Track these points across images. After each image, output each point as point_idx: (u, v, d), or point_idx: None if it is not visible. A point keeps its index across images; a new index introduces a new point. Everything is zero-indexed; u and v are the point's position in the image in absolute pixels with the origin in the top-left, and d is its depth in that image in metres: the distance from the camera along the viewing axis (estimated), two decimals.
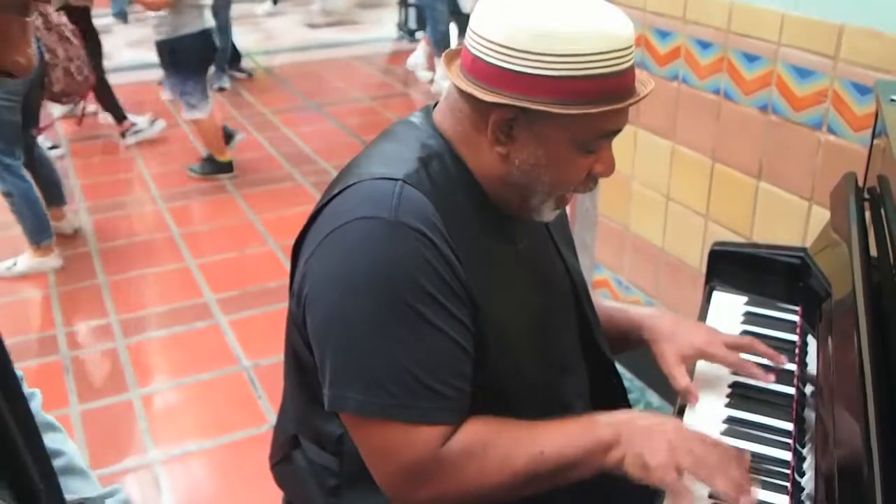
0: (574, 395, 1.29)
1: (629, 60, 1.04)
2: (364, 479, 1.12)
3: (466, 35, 1.09)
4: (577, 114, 1.02)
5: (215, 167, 4.73)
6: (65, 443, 1.06)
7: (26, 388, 0.97)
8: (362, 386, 1.04)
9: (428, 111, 1.18)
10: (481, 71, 1.05)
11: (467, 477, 1.06)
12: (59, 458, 1.02)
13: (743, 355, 1.30)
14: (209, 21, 4.32)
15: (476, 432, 1.07)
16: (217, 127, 4.68)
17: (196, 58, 4.34)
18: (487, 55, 1.04)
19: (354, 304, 1.04)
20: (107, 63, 7.19)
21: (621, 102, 1.04)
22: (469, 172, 1.13)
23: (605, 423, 1.09)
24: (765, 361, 1.31)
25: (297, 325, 1.16)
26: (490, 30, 1.03)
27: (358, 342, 1.04)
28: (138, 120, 5.30)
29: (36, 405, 1.03)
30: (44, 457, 0.83)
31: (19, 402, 0.80)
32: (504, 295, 1.15)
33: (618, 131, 1.09)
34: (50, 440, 0.99)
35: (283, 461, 1.32)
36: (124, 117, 5.25)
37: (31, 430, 0.82)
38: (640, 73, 1.09)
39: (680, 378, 1.28)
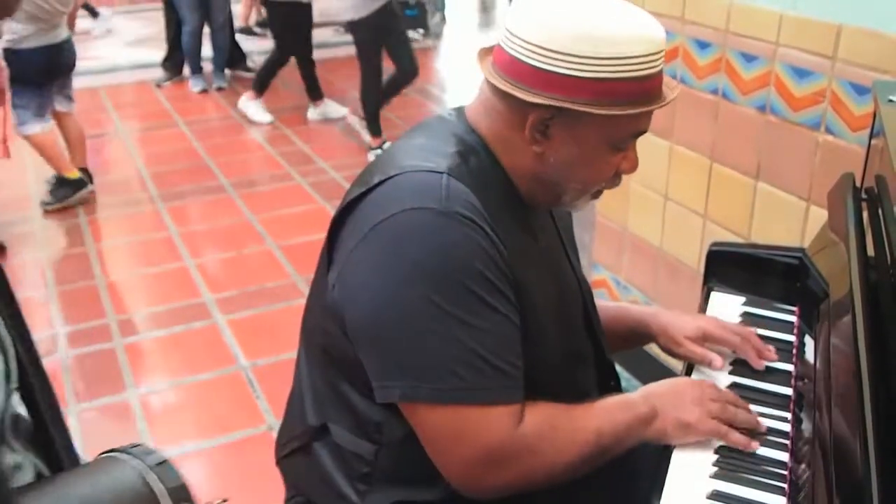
0: (590, 385, 1.33)
1: (661, 64, 1.09)
2: (400, 470, 1.13)
3: (501, 34, 1.11)
4: (615, 115, 1.05)
5: (67, 188, 4.30)
6: None
7: None
8: (431, 374, 1.05)
9: (461, 109, 1.20)
10: (519, 71, 1.07)
11: (541, 457, 1.09)
12: None
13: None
14: (58, 37, 4.06)
15: (542, 413, 1.10)
16: (54, 143, 4.26)
17: (32, 71, 3.97)
18: (526, 56, 1.06)
19: (412, 294, 1.04)
20: (103, 63, 7.21)
21: (656, 103, 1.09)
22: (503, 169, 1.15)
23: (638, 399, 1.16)
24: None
25: (331, 314, 1.15)
26: (528, 31, 1.06)
27: (420, 331, 1.05)
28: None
29: None
30: (66, 433, 0.91)
31: (46, 383, 0.88)
32: (533, 286, 1.17)
33: (646, 131, 1.14)
34: None
35: (295, 452, 1.30)
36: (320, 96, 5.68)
37: (57, 411, 0.90)
38: (666, 79, 1.14)
39: (697, 350, 1.35)
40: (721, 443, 1.17)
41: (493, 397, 1.06)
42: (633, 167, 1.17)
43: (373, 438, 1.19)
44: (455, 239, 1.05)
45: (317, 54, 5.63)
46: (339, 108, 5.73)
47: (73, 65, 4.27)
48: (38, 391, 0.87)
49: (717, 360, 1.33)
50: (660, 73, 1.09)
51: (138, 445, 0.86)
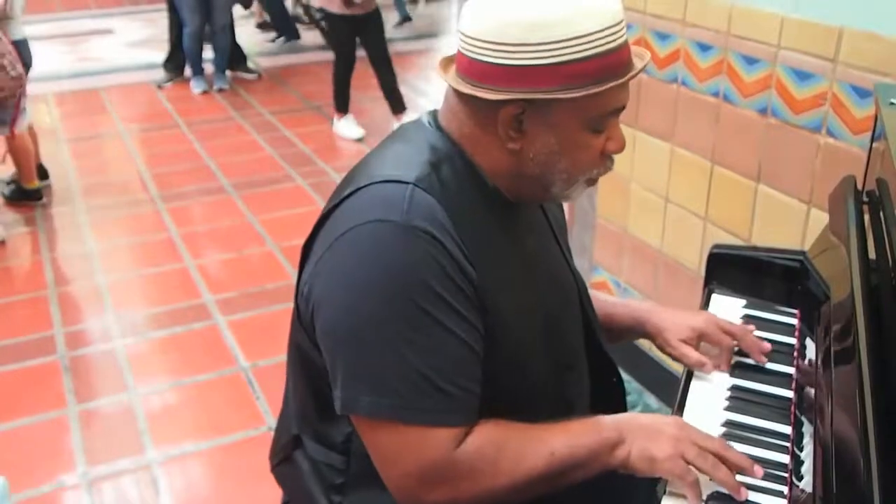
0: (576, 394, 1.30)
1: (623, 35, 1.06)
2: (372, 477, 1.12)
3: (458, 38, 1.09)
4: (584, 96, 1.03)
5: (21, 193, 4.36)
6: None
7: None
8: (372, 388, 1.04)
9: (435, 114, 1.18)
10: (481, 71, 1.05)
11: (480, 479, 1.06)
12: None
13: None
14: (16, 34, 3.98)
15: (487, 434, 1.08)
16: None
17: None
18: (484, 55, 1.04)
19: (365, 307, 1.04)
20: (104, 64, 7.22)
21: (623, 77, 1.05)
22: (480, 173, 1.13)
23: (609, 423, 1.11)
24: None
25: (304, 326, 1.16)
26: (481, 29, 1.04)
27: (369, 344, 1.04)
28: None
29: None
30: None
31: None
32: (516, 295, 1.15)
33: (623, 107, 1.11)
34: None
35: (283, 462, 1.32)
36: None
37: None
38: (635, 48, 1.12)
39: (689, 354, 1.33)
40: None
41: (430, 419, 1.04)
42: (621, 146, 1.13)
43: (342, 450, 1.19)
44: (411, 254, 1.03)
45: (316, 55, 5.62)
46: (356, 130, 5.37)
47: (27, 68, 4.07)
48: None
49: (707, 366, 1.32)
50: (623, 45, 1.06)
51: None
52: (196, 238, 4.04)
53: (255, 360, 2.99)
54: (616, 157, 1.16)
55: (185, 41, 6.26)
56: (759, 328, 1.46)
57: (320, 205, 4.65)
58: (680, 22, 2.22)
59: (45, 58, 4.32)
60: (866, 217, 1.33)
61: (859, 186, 1.47)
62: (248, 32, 7.80)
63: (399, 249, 1.03)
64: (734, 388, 1.32)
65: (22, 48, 4.00)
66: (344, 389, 1.07)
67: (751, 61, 2.02)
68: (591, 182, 1.17)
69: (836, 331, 1.19)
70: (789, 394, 1.30)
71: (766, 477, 1.12)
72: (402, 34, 8.11)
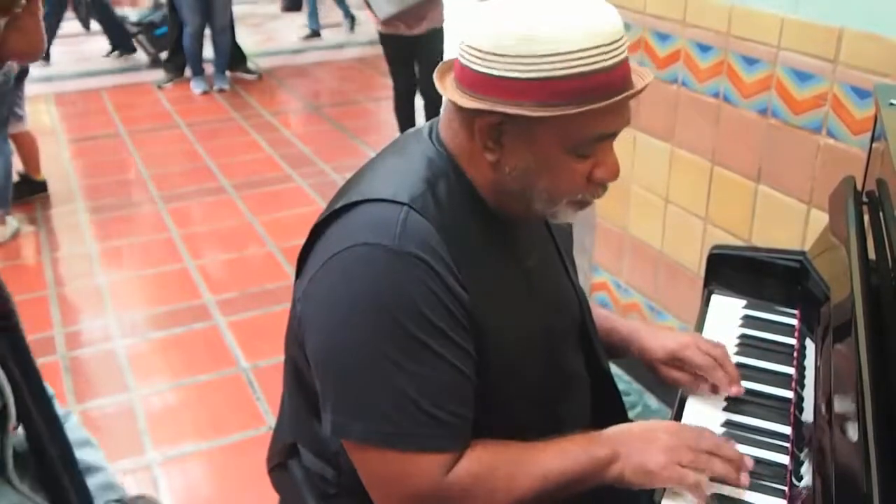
0: (574, 410, 1.29)
1: (616, 55, 1.00)
2: (363, 492, 1.11)
3: (458, 46, 1.08)
4: (558, 116, 0.99)
5: (29, 185, 4.40)
6: (102, 460, 1.08)
7: (59, 408, 1.01)
8: (362, 414, 1.03)
9: (434, 124, 1.16)
10: (469, 79, 1.04)
11: (475, 502, 1.06)
12: (98, 475, 1.04)
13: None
14: None
15: (479, 459, 1.07)
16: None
17: None
18: (474, 63, 1.02)
19: (354, 331, 1.03)
20: (104, 64, 7.21)
21: (608, 100, 0.99)
22: (473, 189, 1.11)
23: (601, 441, 1.10)
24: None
25: (297, 340, 1.15)
26: (475, 37, 1.02)
27: (358, 369, 1.03)
28: None
29: (73, 423, 1.06)
30: (77, 475, 0.93)
31: (55, 425, 0.92)
32: (512, 317, 1.14)
33: (613, 133, 1.06)
34: (88, 455, 1.05)
35: (278, 467, 1.32)
36: None
37: (66, 451, 0.93)
38: (638, 68, 1.07)
39: (666, 375, 1.32)
40: None
41: (421, 445, 1.03)
42: (611, 174, 1.07)
43: (333, 463, 1.19)
44: (401, 279, 1.01)
45: (316, 56, 5.60)
46: None
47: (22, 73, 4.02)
48: (43, 433, 0.89)
49: (693, 385, 1.31)
50: (613, 66, 0.99)
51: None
52: (196, 238, 4.05)
53: (255, 360, 2.99)
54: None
55: (185, 41, 6.27)
56: (758, 328, 1.46)
57: (320, 205, 4.65)
58: (680, 22, 2.22)
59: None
60: (866, 217, 1.33)
61: (859, 187, 1.47)
62: (248, 32, 7.80)
63: (389, 274, 1.02)
64: None
65: None
66: (334, 413, 1.06)
67: (751, 62, 2.02)
68: (580, 205, 1.11)
69: (837, 331, 1.19)
70: (789, 394, 1.30)
71: (766, 477, 1.12)
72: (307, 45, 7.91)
